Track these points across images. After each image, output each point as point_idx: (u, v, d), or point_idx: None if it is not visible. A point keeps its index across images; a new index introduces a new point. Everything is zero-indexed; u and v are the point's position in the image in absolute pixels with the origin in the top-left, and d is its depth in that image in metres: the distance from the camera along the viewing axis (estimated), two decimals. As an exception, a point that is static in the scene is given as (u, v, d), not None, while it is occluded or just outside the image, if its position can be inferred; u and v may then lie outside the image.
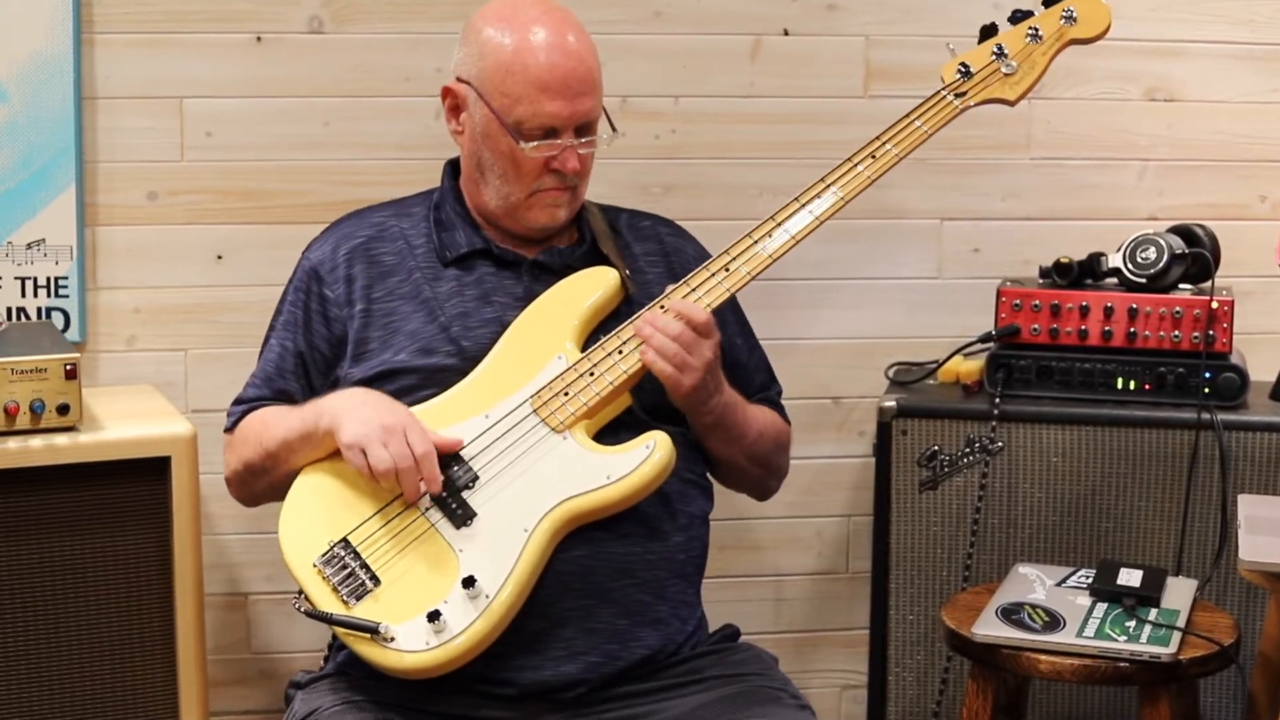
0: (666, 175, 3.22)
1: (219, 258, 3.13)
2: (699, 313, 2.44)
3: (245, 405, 2.60)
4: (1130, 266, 3.02)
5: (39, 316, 3.05)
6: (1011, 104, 2.65)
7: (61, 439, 2.67)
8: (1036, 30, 2.66)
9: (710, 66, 3.22)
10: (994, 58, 2.65)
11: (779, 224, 2.53)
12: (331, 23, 3.11)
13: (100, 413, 2.80)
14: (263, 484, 2.56)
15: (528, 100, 2.48)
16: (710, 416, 2.50)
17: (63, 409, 2.67)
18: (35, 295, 3.05)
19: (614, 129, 2.58)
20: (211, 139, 3.10)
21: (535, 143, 2.49)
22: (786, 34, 3.23)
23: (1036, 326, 3.02)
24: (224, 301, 3.14)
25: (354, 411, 2.39)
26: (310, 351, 2.58)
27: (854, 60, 3.25)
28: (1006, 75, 2.63)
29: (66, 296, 3.06)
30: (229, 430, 2.61)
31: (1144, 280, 3.01)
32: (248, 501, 2.64)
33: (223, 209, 3.12)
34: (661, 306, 2.46)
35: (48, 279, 3.05)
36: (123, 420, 2.78)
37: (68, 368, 2.67)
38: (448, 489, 2.39)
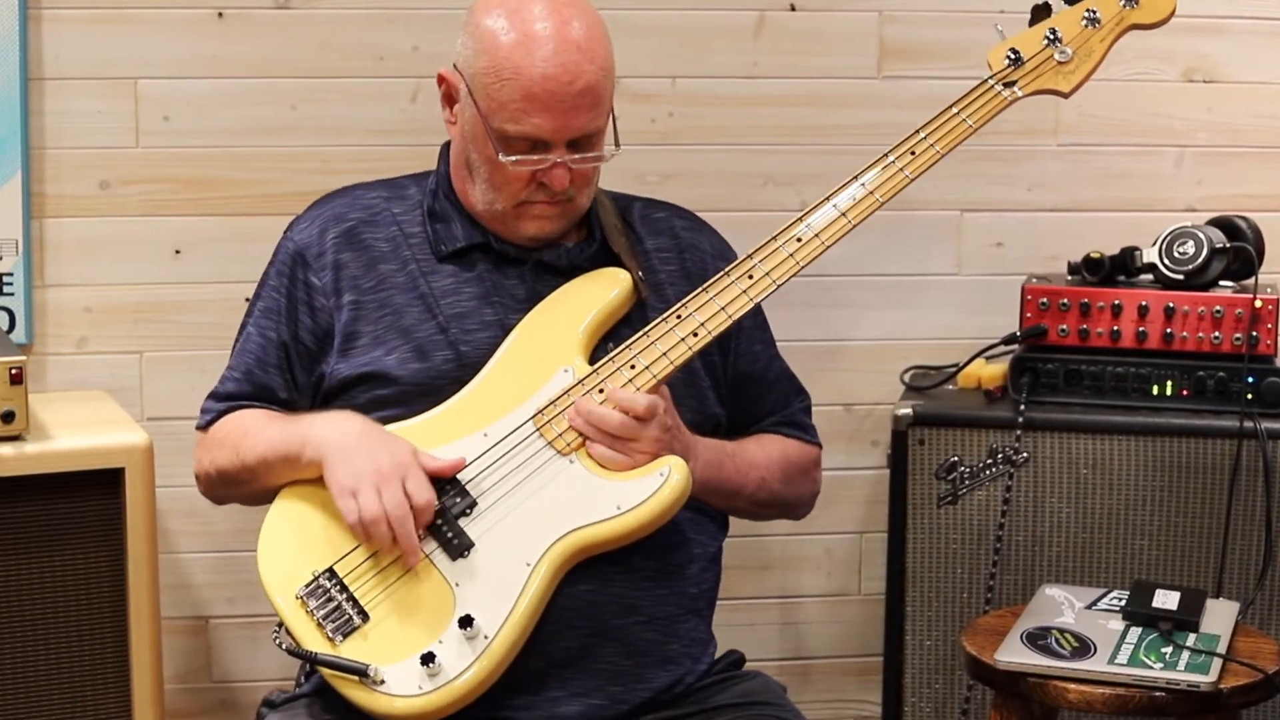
0: (663, 163, 3.22)
1: (177, 252, 3.13)
2: (638, 401, 2.37)
3: (224, 403, 2.56)
4: (1167, 262, 3.02)
5: (-18, 316, 3.06)
6: (1065, 96, 2.60)
7: (6, 449, 2.67)
8: (1094, 13, 2.60)
9: (710, 45, 3.22)
10: (1047, 43, 2.60)
11: (807, 224, 2.50)
12: (299, -3, 3.11)
13: (48, 421, 2.79)
14: (235, 492, 2.56)
15: (513, 108, 2.40)
16: (694, 487, 2.41)
17: (7, 417, 2.66)
18: (-22, 293, 3.06)
19: (618, 144, 2.49)
20: (169, 123, 3.10)
21: (518, 156, 2.42)
22: (793, 9, 3.23)
23: (1065, 327, 3.02)
24: (183, 300, 3.13)
25: (346, 450, 2.36)
26: (294, 343, 2.54)
27: (866, 38, 3.25)
28: (1060, 64, 2.59)
29: (11, 294, 3.06)
30: (202, 428, 2.58)
31: (1182, 277, 3.01)
32: (216, 502, 2.63)
33: (181, 199, 3.12)
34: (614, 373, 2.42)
35: (-9, 275, 3.06)
36: (73, 429, 2.78)
37: (13, 371, 2.67)
38: (443, 516, 2.36)
